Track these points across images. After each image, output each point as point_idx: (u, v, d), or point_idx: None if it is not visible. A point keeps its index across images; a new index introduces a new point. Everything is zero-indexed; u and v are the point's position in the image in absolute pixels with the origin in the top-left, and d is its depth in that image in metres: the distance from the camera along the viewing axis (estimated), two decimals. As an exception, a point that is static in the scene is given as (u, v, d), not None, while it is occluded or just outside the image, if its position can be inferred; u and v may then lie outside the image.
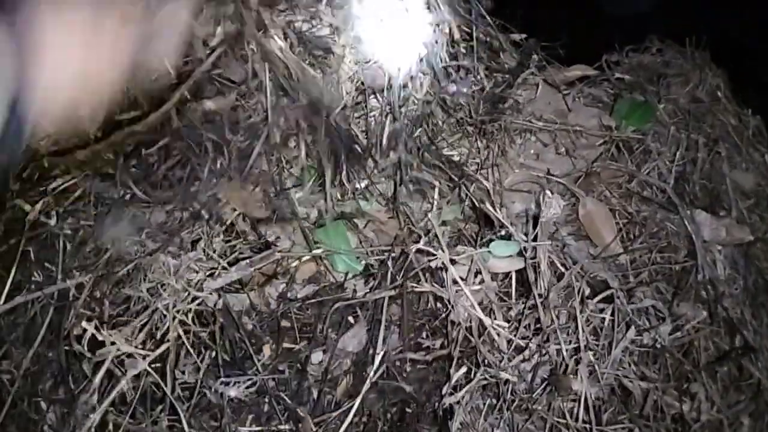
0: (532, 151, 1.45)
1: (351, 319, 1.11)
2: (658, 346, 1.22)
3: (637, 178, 1.43)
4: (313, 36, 1.12)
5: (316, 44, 1.12)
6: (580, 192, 1.38)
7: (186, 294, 0.92)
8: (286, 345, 1.09)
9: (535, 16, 1.62)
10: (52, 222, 1.06)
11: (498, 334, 1.01)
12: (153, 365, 0.90)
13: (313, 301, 1.11)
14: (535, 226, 1.15)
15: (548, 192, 1.13)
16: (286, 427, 0.97)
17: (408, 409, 1.06)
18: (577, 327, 1.09)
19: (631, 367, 1.19)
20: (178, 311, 0.91)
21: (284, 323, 1.11)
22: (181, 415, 0.87)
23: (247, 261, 1.00)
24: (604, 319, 1.13)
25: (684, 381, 1.27)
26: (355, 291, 1.10)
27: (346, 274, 1.12)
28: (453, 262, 1.03)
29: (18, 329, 1.04)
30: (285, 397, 0.99)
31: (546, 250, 1.13)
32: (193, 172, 1.06)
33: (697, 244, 1.33)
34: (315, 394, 1.03)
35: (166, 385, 0.88)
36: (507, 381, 1.01)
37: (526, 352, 1.05)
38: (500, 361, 1.02)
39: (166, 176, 1.06)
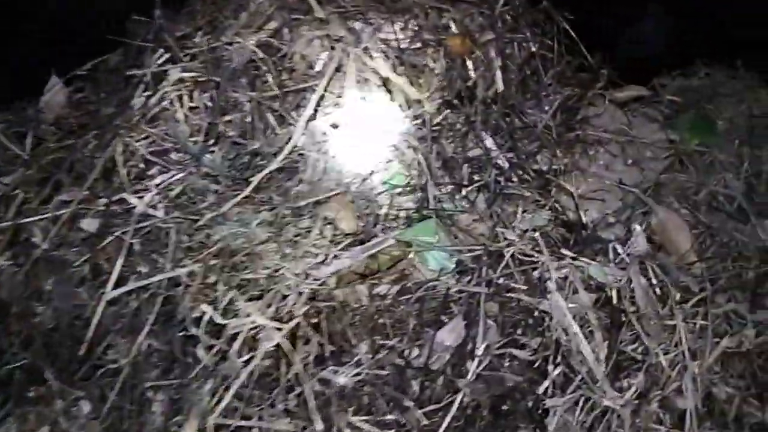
0: (601, 162, 1.49)
1: (443, 317, 1.12)
2: (744, 349, 1.22)
3: (706, 189, 1.47)
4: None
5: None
6: (652, 202, 1.42)
7: (304, 277, 0.95)
8: (381, 341, 1.10)
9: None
10: (160, 214, 1.09)
11: (594, 351, 1.02)
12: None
13: (407, 297, 1.12)
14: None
15: (636, 227, 1.14)
16: (392, 417, 0.97)
17: (504, 406, 1.06)
18: (673, 336, 1.09)
19: (719, 374, 1.19)
20: (299, 293, 0.93)
21: (378, 320, 1.12)
22: (308, 396, 0.88)
23: (360, 247, 1.03)
24: (695, 324, 1.14)
25: (766, 390, 1.27)
26: (448, 288, 1.12)
27: (440, 270, 1.14)
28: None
29: (123, 320, 1.06)
30: (389, 389, 1.00)
31: (637, 272, 1.13)
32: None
33: (771, 252, 1.35)
34: (416, 387, 1.03)
35: (286, 367, 0.90)
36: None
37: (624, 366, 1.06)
38: (597, 381, 1.02)
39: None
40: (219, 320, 0.92)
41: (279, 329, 0.88)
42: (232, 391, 0.87)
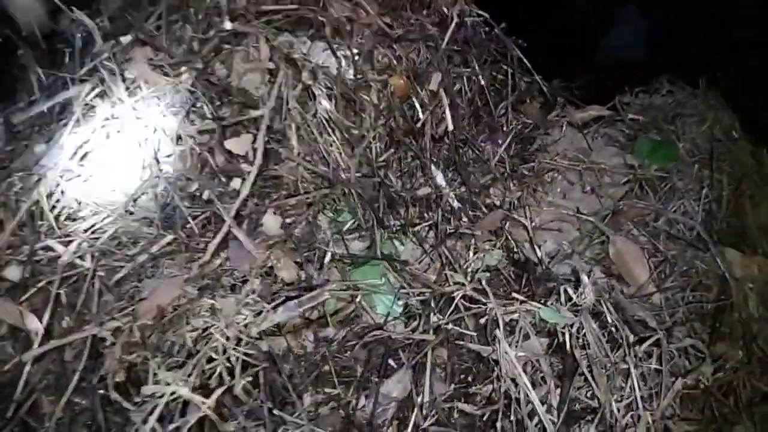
0: (558, 190, 1.45)
1: (392, 362, 1.08)
2: (701, 386, 1.20)
3: (665, 216, 1.44)
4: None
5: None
6: (609, 230, 1.38)
7: (235, 338, 0.89)
8: (326, 390, 1.05)
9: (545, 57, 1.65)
10: (87, 264, 1.03)
11: (545, 400, 0.98)
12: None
13: (353, 342, 1.07)
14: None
15: (585, 277, 1.09)
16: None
17: (455, 460, 1.02)
18: (626, 379, 1.05)
19: (676, 412, 1.16)
20: (227, 357, 0.88)
21: (323, 367, 1.07)
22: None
23: (295, 301, 0.97)
24: (650, 367, 1.10)
25: (725, 423, 1.24)
26: (390, 337, 1.07)
27: (387, 315, 1.10)
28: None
29: (48, 377, 0.99)
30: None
31: (589, 319, 1.09)
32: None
33: (731, 282, 1.32)
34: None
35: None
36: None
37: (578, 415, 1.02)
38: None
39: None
40: (144, 390, 0.85)
41: (203, 402, 0.81)
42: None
